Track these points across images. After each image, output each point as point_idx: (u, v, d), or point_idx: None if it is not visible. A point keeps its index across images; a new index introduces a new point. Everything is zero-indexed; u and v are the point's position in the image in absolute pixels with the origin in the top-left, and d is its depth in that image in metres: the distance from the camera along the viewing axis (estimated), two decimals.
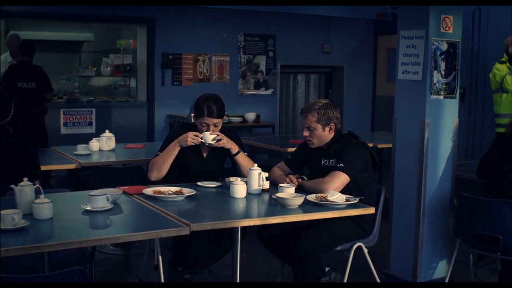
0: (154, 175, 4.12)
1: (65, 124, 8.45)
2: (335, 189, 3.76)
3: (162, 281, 3.91)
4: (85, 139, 5.74)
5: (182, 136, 4.04)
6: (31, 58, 7.71)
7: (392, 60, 10.21)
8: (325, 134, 4.03)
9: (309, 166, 4.23)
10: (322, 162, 4.05)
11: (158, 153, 4.18)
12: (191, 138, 4.00)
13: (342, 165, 3.85)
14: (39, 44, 10.49)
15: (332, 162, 3.99)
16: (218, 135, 4.05)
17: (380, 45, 10.61)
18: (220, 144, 4.06)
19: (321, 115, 3.99)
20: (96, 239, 2.77)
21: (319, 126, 4.00)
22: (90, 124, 8.58)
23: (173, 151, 4.08)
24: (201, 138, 4.03)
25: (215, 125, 4.11)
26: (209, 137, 4.03)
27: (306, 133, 4.04)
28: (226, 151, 4.19)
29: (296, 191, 3.70)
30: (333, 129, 4.04)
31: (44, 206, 3.04)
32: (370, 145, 5.82)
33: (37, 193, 3.21)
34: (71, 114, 8.47)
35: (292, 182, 3.88)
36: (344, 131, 4.21)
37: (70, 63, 11.24)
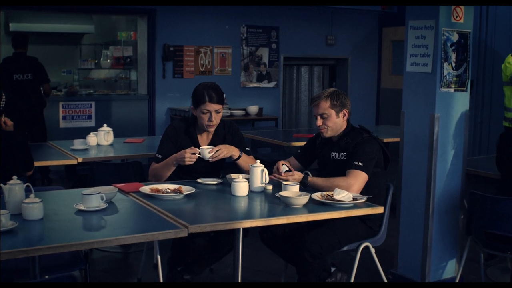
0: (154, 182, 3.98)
1: (64, 118, 8.30)
2: (358, 190, 3.62)
3: (161, 281, 3.76)
4: (85, 133, 5.58)
5: (180, 155, 3.85)
6: (25, 49, 7.52)
7: (397, 52, 10.06)
8: (339, 122, 3.86)
9: (317, 160, 4.06)
10: (332, 155, 3.88)
11: (158, 155, 4.02)
12: (188, 158, 3.82)
13: (361, 164, 3.68)
14: (39, 36, 10.40)
15: (342, 155, 3.83)
16: (218, 150, 3.87)
17: (385, 36, 10.45)
18: (220, 157, 3.88)
19: (334, 100, 3.84)
20: (88, 242, 2.59)
21: (333, 112, 3.83)
22: (89, 117, 8.43)
23: (171, 167, 3.93)
24: (199, 154, 3.85)
25: (216, 112, 3.95)
26: (208, 154, 3.85)
27: (319, 122, 3.86)
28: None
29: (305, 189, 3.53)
30: (346, 115, 3.88)
31: (34, 206, 2.87)
32: None
33: (28, 191, 3.04)
34: (70, 108, 8.32)
35: (278, 170, 3.71)
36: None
37: (71, 56, 11.10)
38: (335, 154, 3.88)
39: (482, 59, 8.42)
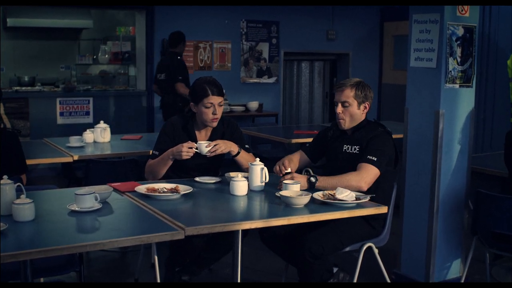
0: (150, 179, 3.89)
1: (61, 114, 8.19)
2: (369, 184, 3.53)
3: (158, 281, 3.67)
4: (82, 129, 5.47)
5: (176, 149, 3.75)
6: (175, 49, 7.60)
7: (399, 47, 9.95)
8: (359, 114, 3.76)
9: (327, 153, 3.94)
10: (344, 148, 3.78)
11: (155, 152, 3.91)
12: (185, 152, 3.73)
13: (375, 159, 3.58)
14: (37, 31, 10.28)
15: (355, 149, 3.73)
16: (216, 144, 3.77)
17: (386, 31, 10.33)
18: (218, 152, 3.78)
19: (359, 90, 3.75)
20: (80, 246, 2.48)
21: (355, 103, 3.74)
22: (87, 113, 8.32)
23: (167, 161, 3.82)
24: (196, 148, 3.75)
25: (219, 105, 3.87)
26: (205, 149, 3.75)
27: (339, 109, 3.75)
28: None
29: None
30: (366, 109, 3.79)
31: (25, 207, 2.76)
32: None
33: (19, 191, 2.94)
34: (67, 104, 8.21)
35: (281, 170, 3.61)
36: None
37: (69, 51, 10.99)
38: (348, 147, 3.77)
39: (485, 55, 8.28)
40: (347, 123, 3.77)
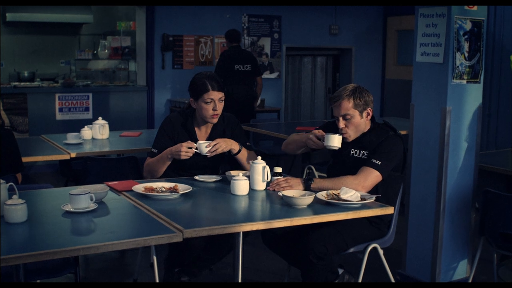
0: (149, 178, 3.80)
1: (60, 110, 8.07)
2: (367, 189, 3.38)
3: (157, 281, 3.57)
4: (82, 125, 5.36)
5: (175, 148, 3.66)
6: (239, 43, 7.90)
7: (402, 42, 9.84)
8: (363, 122, 3.59)
9: (333, 153, 3.79)
10: (351, 152, 3.63)
11: (153, 150, 3.81)
12: (184, 152, 3.63)
13: (379, 163, 3.43)
14: (37, 26, 10.18)
15: (363, 154, 3.58)
16: (216, 144, 3.66)
17: (390, 26, 10.21)
18: (218, 152, 3.68)
19: (357, 98, 3.54)
20: (73, 249, 2.36)
21: (356, 113, 3.55)
22: (86, 109, 8.21)
23: (166, 161, 3.73)
24: (196, 149, 3.64)
25: (220, 100, 3.78)
26: (205, 149, 3.64)
27: (342, 124, 3.56)
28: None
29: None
30: (370, 114, 3.61)
31: (17, 208, 2.66)
32: None
33: (11, 191, 2.83)
34: (66, 99, 8.09)
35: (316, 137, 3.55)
36: None
37: (69, 46, 10.89)
38: (356, 151, 3.62)
39: (490, 51, 8.16)
40: (352, 136, 3.61)
